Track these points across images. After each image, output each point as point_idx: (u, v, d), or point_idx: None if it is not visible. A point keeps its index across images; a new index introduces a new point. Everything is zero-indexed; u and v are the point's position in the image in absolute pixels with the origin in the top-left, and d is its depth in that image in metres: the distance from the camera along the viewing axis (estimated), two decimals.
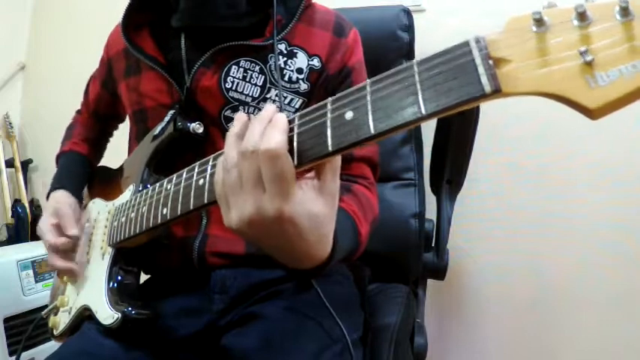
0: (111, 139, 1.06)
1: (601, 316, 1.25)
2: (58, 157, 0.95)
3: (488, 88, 0.31)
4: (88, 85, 0.99)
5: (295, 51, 0.75)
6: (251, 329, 0.68)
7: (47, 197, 0.87)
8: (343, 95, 0.39)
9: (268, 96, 0.73)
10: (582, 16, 0.29)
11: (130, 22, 0.79)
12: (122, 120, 1.01)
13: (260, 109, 0.73)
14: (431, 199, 1.13)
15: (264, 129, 0.41)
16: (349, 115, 0.38)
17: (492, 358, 1.37)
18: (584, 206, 1.25)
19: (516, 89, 0.30)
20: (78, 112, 1.01)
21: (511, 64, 0.31)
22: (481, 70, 0.31)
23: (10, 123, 2.08)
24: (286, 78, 0.74)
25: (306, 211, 0.42)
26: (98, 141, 1.00)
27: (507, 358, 1.36)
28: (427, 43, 1.23)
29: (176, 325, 0.72)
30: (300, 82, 0.75)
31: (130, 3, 0.79)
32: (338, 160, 0.43)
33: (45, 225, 0.80)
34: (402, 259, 1.07)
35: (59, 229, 0.80)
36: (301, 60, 0.75)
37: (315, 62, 0.75)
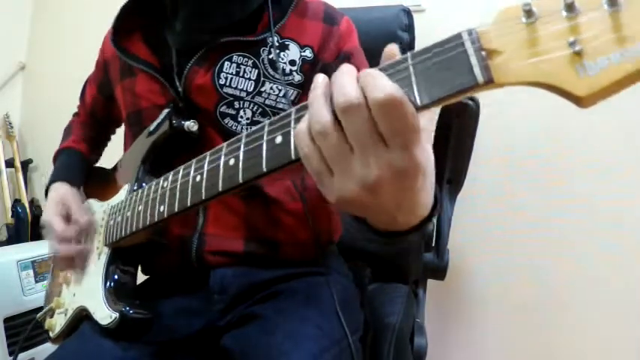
0: (109, 143, 1.05)
1: (601, 316, 1.25)
2: (56, 155, 0.94)
3: (480, 79, 0.32)
4: (84, 89, 0.99)
5: (287, 43, 0.75)
6: (251, 330, 0.68)
7: (46, 191, 0.85)
8: None
9: (263, 89, 0.73)
10: (570, 7, 0.29)
11: (122, 27, 0.79)
12: (119, 124, 1.00)
13: (255, 103, 0.73)
14: None
15: (360, 79, 0.36)
16: None
17: (492, 358, 1.37)
18: (584, 206, 1.24)
19: (508, 79, 0.31)
20: (75, 114, 1.01)
21: (503, 54, 0.32)
22: (473, 61, 0.32)
23: (10, 123, 2.08)
24: (280, 70, 0.73)
25: (431, 157, 0.40)
26: (96, 142, 0.99)
27: (507, 358, 1.36)
28: (427, 43, 1.21)
29: (175, 325, 0.72)
30: (294, 73, 0.74)
31: (122, 8, 0.79)
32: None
33: (51, 216, 0.78)
34: (402, 259, 1.07)
35: (66, 219, 0.78)
36: (293, 52, 0.75)
37: (307, 53, 0.75)
